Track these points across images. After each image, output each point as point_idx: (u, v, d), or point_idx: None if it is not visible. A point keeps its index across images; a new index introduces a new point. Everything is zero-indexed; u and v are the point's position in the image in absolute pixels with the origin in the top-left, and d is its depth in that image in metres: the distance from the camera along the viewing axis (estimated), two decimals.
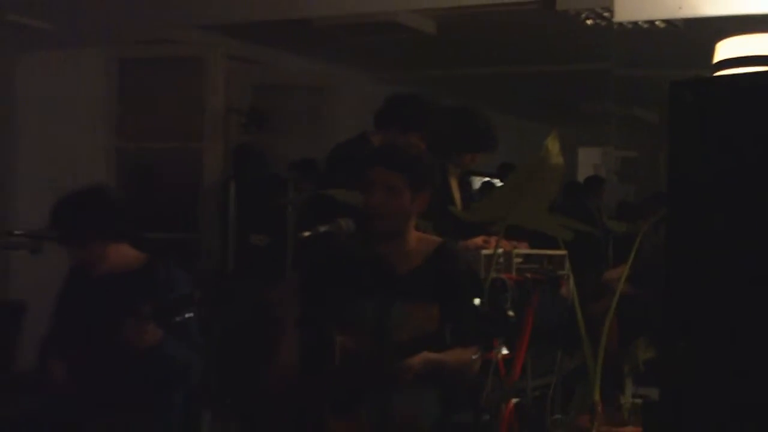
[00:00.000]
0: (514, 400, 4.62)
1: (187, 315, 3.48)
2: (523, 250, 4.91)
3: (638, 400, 4.76)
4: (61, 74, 6.78)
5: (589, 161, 10.09)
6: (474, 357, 3.37)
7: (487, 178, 9.72)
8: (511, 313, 3.09)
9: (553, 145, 4.27)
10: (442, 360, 3.22)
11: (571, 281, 4.92)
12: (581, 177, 9.57)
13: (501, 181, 8.16)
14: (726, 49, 4.53)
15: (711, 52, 4.68)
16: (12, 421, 4.03)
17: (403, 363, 3.11)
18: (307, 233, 3.54)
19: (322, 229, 3.54)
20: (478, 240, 4.75)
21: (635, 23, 5.61)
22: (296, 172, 6.63)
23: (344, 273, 3.44)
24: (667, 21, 5.55)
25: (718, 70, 4.54)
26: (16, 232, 3.64)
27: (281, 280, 5.79)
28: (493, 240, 4.66)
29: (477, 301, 3.14)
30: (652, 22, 5.61)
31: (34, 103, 6.83)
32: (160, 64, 6.83)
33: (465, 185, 5.45)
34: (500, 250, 4.62)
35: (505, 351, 4.25)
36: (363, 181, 3.39)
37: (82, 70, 6.81)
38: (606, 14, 5.85)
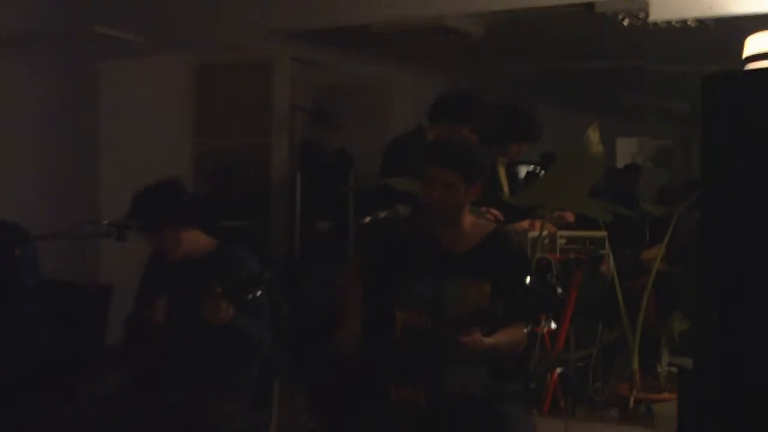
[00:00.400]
0: (558, 370, 4.59)
1: (256, 293, 3.48)
2: (567, 232, 4.88)
3: (674, 369, 4.71)
4: (144, 79, 6.83)
5: (626, 150, 9.96)
6: (525, 331, 3.34)
7: (531, 166, 9.63)
8: (559, 289, 3.04)
9: (594, 135, 4.25)
10: (495, 344, 3.18)
11: (611, 260, 4.89)
12: (620, 165, 9.46)
13: (543, 170, 8.08)
14: (755, 43, 4.44)
15: (740, 48, 4.58)
16: (103, 393, 4.06)
17: (458, 339, 3.08)
18: (367, 219, 3.54)
19: (381, 214, 3.53)
20: (525, 223, 4.73)
21: (668, 22, 5.52)
22: (333, 163, 6.63)
23: (403, 254, 3.43)
24: (698, 20, 5.45)
25: (748, 64, 4.45)
26: (104, 222, 3.66)
27: (344, 262, 5.79)
28: (538, 223, 4.64)
29: (528, 279, 3.10)
30: (684, 21, 5.51)
31: (119, 106, 6.88)
32: (233, 68, 6.85)
33: (512, 173, 5.42)
34: (545, 233, 4.60)
35: (553, 325, 4.23)
36: (421, 176, 3.36)
37: (163, 76, 6.85)
38: (641, 15, 5.77)
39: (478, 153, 3.45)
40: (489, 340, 3.15)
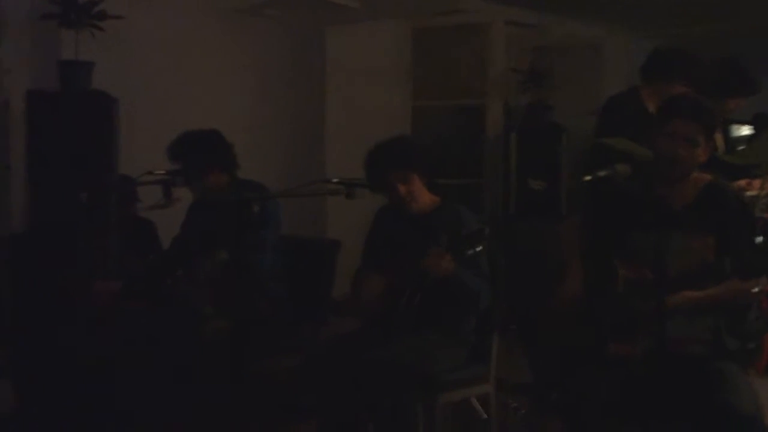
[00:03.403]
0: None
1: (477, 248, 3.44)
2: None
3: None
4: (365, 43, 6.87)
5: None
6: (754, 289, 3.15)
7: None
8: None
9: None
10: (703, 297, 3.05)
11: None
12: None
13: (755, 130, 7.66)
14: None
15: None
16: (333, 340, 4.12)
17: (670, 301, 2.93)
18: (588, 177, 3.42)
19: (602, 173, 3.41)
20: (742, 182, 4.48)
21: None
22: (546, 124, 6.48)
23: (625, 211, 3.29)
24: None
25: None
26: (334, 180, 3.68)
27: (557, 219, 5.68)
28: (756, 182, 4.39)
29: (759, 239, 2.90)
30: None
31: (342, 69, 6.96)
32: (449, 31, 6.81)
33: (726, 131, 5.15)
34: (764, 192, 4.35)
35: None
36: (661, 131, 3.19)
37: (383, 40, 6.88)
38: None
39: (711, 108, 3.25)
40: (694, 294, 3.04)
